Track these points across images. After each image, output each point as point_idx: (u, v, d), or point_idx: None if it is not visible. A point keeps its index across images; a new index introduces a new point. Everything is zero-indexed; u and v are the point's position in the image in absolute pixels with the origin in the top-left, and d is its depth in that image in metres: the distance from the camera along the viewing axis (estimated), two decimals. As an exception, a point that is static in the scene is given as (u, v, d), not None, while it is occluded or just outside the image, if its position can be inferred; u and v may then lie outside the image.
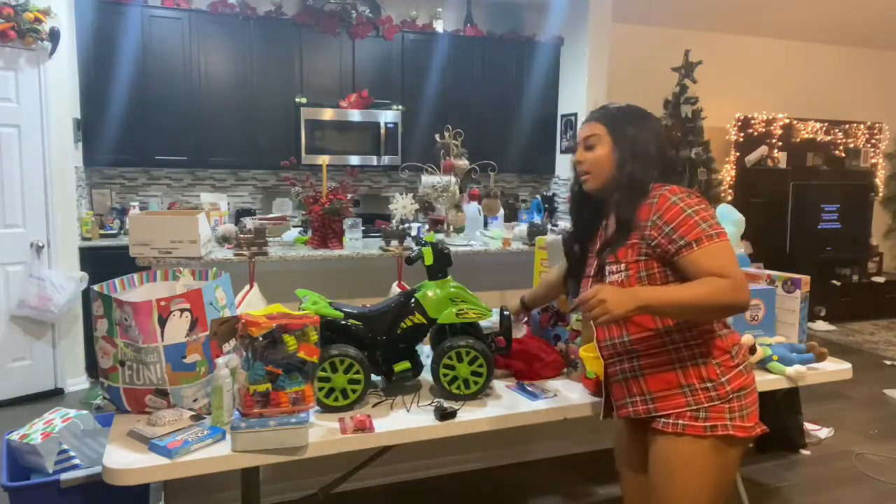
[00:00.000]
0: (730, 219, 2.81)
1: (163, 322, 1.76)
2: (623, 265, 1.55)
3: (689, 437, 1.53)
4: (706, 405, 1.52)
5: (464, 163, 3.54)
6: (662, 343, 1.56)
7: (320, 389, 1.85)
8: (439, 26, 5.36)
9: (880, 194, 7.01)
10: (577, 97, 5.47)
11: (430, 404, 1.94)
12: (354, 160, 5.08)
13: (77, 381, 4.19)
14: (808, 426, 3.59)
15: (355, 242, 3.39)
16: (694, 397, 1.53)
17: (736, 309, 1.50)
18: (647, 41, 5.92)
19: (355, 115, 5.03)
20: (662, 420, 1.56)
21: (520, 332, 2.32)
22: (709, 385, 1.53)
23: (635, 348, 1.58)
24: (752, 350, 2.28)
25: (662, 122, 5.26)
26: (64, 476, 1.94)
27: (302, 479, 2.50)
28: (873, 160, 6.90)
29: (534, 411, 1.96)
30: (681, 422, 1.54)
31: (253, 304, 2.76)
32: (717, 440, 1.52)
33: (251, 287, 2.94)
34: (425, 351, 2.24)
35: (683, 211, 1.49)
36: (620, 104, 1.68)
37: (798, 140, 6.53)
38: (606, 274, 1.59)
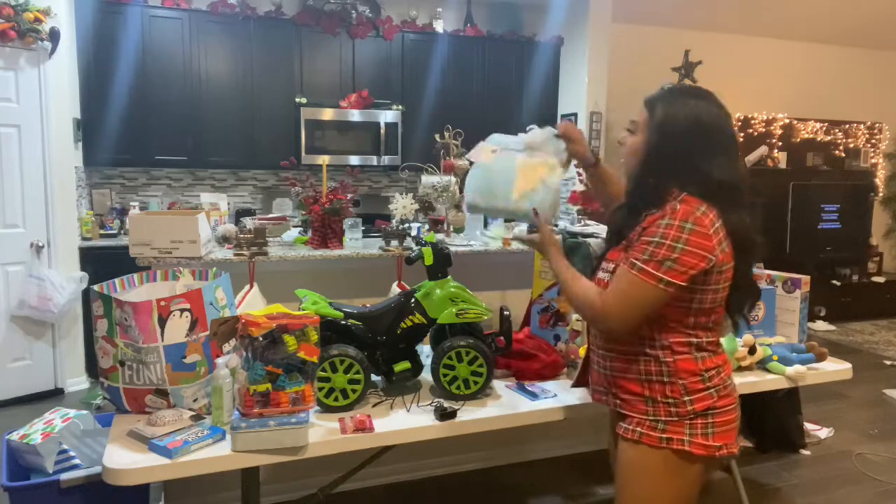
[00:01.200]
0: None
1: (163, 322, 1.76)
2: (612, 266, 1.54)
3: (645, 445, 1.51)
4: (664, 419, 1.50)
5: (464, 163, 3.54)
6: (635, 353, 1.53)
7: (320, 389, 1.85)
8: (439, 26, 5.36)
9: (880, 194, 7.01)
10: (577, 97, 5.47)
11: (430, 404, 1.94)
12: (354, 160, 5.08)
13: (77, 381, 4.19)
14: (808, 426, 3.59)
15: (355, 242, 3.39)
16: (654, 408, 1.51)
17: (588, 319, 1.61)
18: (647, 41, 5.93)
19: (355, 115, 5.03)
20: (624, 426, 1.56)
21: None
22: (670, 401, 1.50)
23: (611, 348, 1.59)
24: (752, 350, 2.29)
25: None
26: (64, 476, 1.94)
27: (302, 479, 2.50)
28: (873, 160, 6.90)
29: (534, 411, 1.96)
30: (639, 429, 1.52)
31: (253, 304, 2.76)
32: (673, 454, 1.49)
33: (251, 287, 2.94)
34: (425, 351, 2.24)
35: (654, 235, 1.43)
36: (683, 85, 1.57)
37: (798, 140, 6.53)
38: (602, 269, 1.61)
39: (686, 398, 1.49)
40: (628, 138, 1.56)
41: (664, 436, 1.50)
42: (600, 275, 1.58)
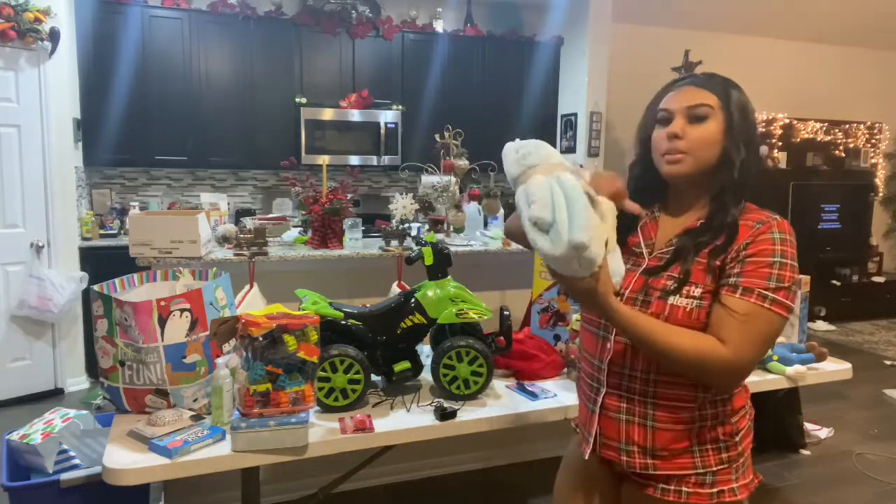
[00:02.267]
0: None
1: (163, 322, 1.76)
2: (699, 290, 1.20)
3: None
4: (715, 468, 1.26)
5: (464, 163, 3.54)
6: (692, 397, 1.25)
7: (320, 389, 1.85)
8: (439, 26, 5.36)
9: (880, 194, 7.01)
10: (577, 97, 5.47)
11: (430, 404, 1.94)
12: (354, 160, 5.08)
13: (77, 381, 4.19)
14: (808, 426, 3.59)
15: (355, 242, 3.39)
16: (703, 459, 1.26)
17: (707, 381, 1.23)
18: (647, 41, 5.92)
19: (355, 115, 5.03)
20: (661, 486, 1.28)
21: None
22: (721, 446, 1.27)
23: (657, 392, 1.26)
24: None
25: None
26: (64, 476, 1.94)
27: (302, 479, 2.50)
28: (873, 160, 6.89)
29: (534, 411, 1.96)
30: (684, 489, 1.26)
31: (253, 304, 2.76)
32: None
33: (251, 287, 2.94)
34: (425, 351, 2.24)
35: (773, 255, 1.17)
36: (728, 79, 1.30)
37: (798, 140, 6.53)
38: (668, 289, 1.22)
39: (737, 437, 1.29)
40: (695, 130, 1.23)
41: (714, 490, 1.26)
42: (678, 300, 1.20)
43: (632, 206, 1.24)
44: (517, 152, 1.25)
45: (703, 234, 1.23)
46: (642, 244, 1.32)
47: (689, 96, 1.25)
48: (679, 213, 1.31)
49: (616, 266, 1.20)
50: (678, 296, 1.20)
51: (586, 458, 1.36)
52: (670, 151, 1.24)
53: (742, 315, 1.15)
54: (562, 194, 1.13)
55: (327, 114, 4.95)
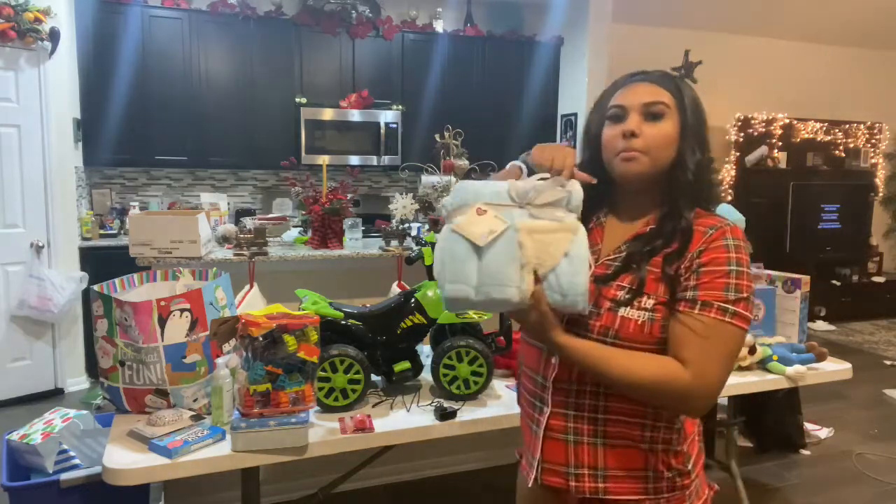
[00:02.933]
0: (730, 219, 2.80)
1: (163, 322, 1.76)
2: (651, 301, 1.12)
3: None
4: (667, 495, 1.17)
5: (464, 163, 3.54)
6: (644, 413, 1.15)
7: (320, 389, 1.85)
8: (439, 26, 5.36)
9: (880, 194, 7.01)
10: (577, 97, 5.47)
11: (430, 404, 1.94)
12: (354, 160, 5.08)
13: (77, 381, 4.19)
14: (808, 426, 3.59)
15: (355, 242, 3.39)
16: (655, 485, 1.17)
17: (669, 408, 1.14)
18: (647, 41, 5.92)
19: (355, 115, 5.03)
20: None
21: None
22: (674, 474, 1.17)
23: (609, 407, 1.15)
24: (752, 350, 2.29)
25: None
26: (64, 476, 1.94)
27: (302, 479, 2.50)
28: (873, 160, 6.90)
29: (534, 411, 1.96)
30: None
31: (253, 304, 2.76)
32: None
33: (251, 287, 2.94)
34: (425, 351, 2.24)
35: (728, 263, 1.09)
36: (680, 77, 1.25)
37: (798, 140, 6.53)
38: (620, 300, 1.13)
39: (689, 466, 1.19)
40: (652, 128, 1.16)
41: None
42: (628, 311, 1.12)
43: (584, 177, 1.16)
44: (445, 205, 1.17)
45: (655, 240, 1.14)
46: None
47: (644, 93, 1.18)
48: (628, 217, 1.22)
49: (569, 281, 1.06)
50: (630, 307, 1.11)
51: (529, 485, 1.25)
52: (626, 150, 1.16)
53: (703, 333, 1.07)
54: (447, 248, 1.10)
55: (327, 114, 4.95)
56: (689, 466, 1.19)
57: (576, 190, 1.12)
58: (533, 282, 1.06)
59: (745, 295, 1.09)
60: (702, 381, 1.07)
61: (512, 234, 1.07)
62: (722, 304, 1.07)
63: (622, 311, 1.12)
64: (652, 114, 1.16)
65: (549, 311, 1.09)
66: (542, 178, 1.14)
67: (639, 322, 1.11)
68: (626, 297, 1.12)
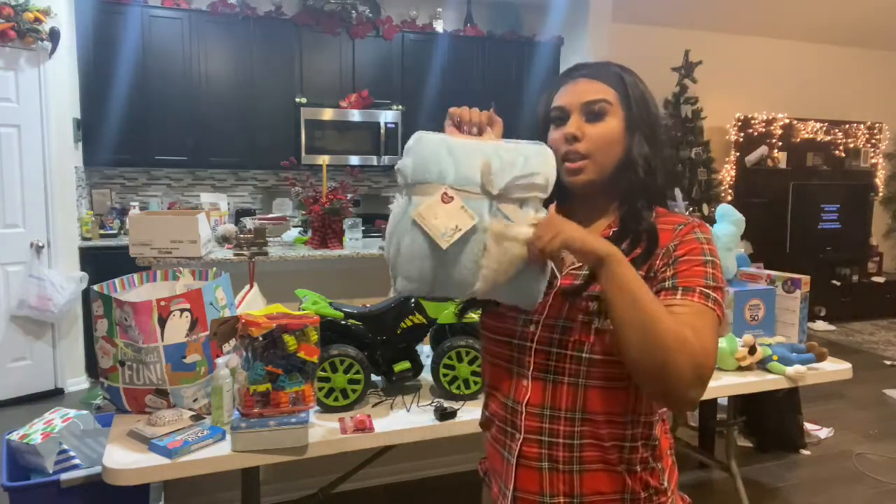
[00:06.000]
0: (730, 219, 2.81)
1: (163, 322, 1.76)
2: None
3: None
4: None
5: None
6: (622, 436, 1.08)
7: (320, 389, 1.85)
8: (439, 26, 5.36)
9: (880, 194, 7.02)
10: (577, 97, 5.46)
11: (430, 404, 1.94)
12: (354, 160, 5.08)
13: (77, 381, 4.19)
14: (808, 426, 3.59)
15: (355, 242, 3.39)
16: None
17: (676, 369, 0.95)
18: (647, 41, 5.93)
19: (355, 115, 5.03)
20: None
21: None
22: (651, 493, 1.12)
23: (584, 432, 1.07)
24: (752, 350, 2.29)
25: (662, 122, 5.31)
26: (64, 476, 1.94)
27: (302, 479, 2.50)
28: (873, 160, 6.90)
29: (534, 411, 1.96)
30: None
31: (253, 304, 2.76)
32: None
33: (251, 287, 2.93)
34: (425, 351, 2.24)
35: (703, 254, 1.05)
36: (624, 66, 1.17)
37: (798, 140, 6.54)
38: (592, 311, 1.06)
39: (664, 482, 1.14)
40: (593, 129, 1.09)
41: None
42: (605, 324, 1.05)
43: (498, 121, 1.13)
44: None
45: (619, 244, 1.05)
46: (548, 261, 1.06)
47: (583, 90, 1.10)
48: (588, 221, 1.13)
49: (522, 293, 0.98)
50: (605, 319, 1.03)
51: None
52: (569, 156, 1.09)
53: (691, 315, 0.99)
54: (403, 237, 0.99)
55: (327, 114, 4.95)
56: (665, 483, 1.14)
57: (550, 172, 1.01)
58: (496, 288, 0.98)
59: (721, 286, 1.05)
60: (705, 352, 0.97)
61: (480, 235, 0.96)
62: (703, 289, 1.02)
63: (596, 324, 1.04)
64: (593, 113, 1.09)
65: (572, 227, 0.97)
66: (514, 143, 1.04)
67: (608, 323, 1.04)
68: (597, 307, 1.04)
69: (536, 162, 1.00)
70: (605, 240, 1.00)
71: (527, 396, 1.10)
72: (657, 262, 1.06)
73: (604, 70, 1.13)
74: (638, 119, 1.09)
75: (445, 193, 0.97)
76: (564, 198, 1.15)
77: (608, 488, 1.08)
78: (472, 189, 0.97)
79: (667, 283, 1.03)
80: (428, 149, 1.01)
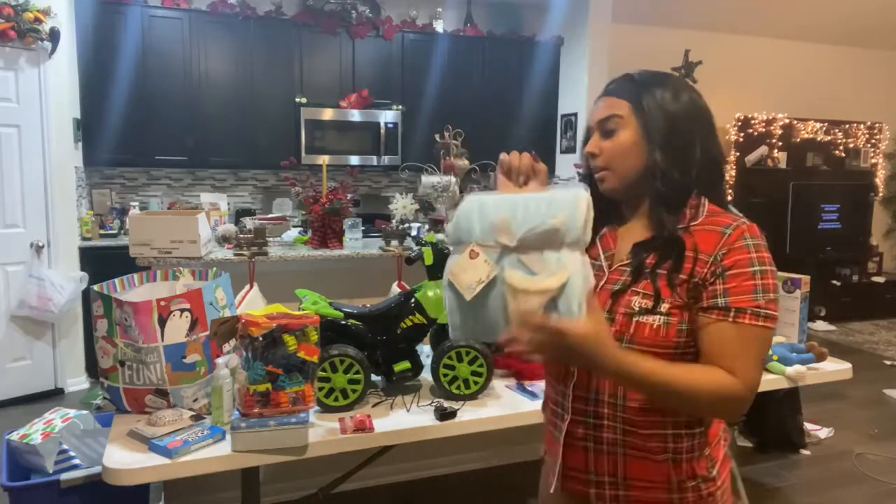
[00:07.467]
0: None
1: (163, 322, 1.76)
2: (665, 306, 1.09)
3: None
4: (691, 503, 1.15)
5: (464, 163, 3.54)
6: (663, 423, 1.13)
7: (320, 389, 1.85)
8: (439, 26, 5.36)
9: (880, 194, 7.01)
10: (577, 97, 5.47)
11: (430, 404, 1.94)
12: (354, 160, 5.08)
13: (77, 381, 4.19)
14: (808, 426, 3.59)
15: (355, 242, 3.40)
16: (680, 495, 1.14)
17: (721, 417, 1.16)
18: (647, 41, 5.93)
19: (355, 115, 5.03)
20: None
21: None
22: (700, 482, 1.15)
23: (629, 419, 1.13)
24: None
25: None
26: (64, 476, 1.94)
27: (302, 479, 2.50)
28: (873, 160, 6.90)
29: (534, 411, 1.96)
30: None
31: (253, 304, 2.76)
32: None
33: (251, 287, 2.94)
34: (425, 351, 2.24)
35: (751, 264, 1.07)
36: (651, 71, 1.22)
37: (798, 140, 6.53)
38: (634, 308, 1.11)
39: (714, 472, 1.16)
40: (607, 143, 1.16)
41: None
42: (645, 318, 1.10)
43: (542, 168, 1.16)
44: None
45: (647, 252, 1.14)
46: (601, 256, 1.20)
47: (601, 109, 1.18)
48: (632, 223, 1.21)
49: (568, 306, 0.99)
50: (645, 312, 1.10)
51: (551, 490, 1.22)
52: (594, 169, 1.19)
53: (742, 341, 1.06)
54: (445, 296, 1.12)
55: (327, 114, 4.95)
56: (714, 472, 1.17)
57: (574, 216, 1.01)
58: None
59: (772, 295, 1.08)
60: (749, 390, 1.06)
61: (499, 284, 1.03)
62: (754, 308, 1.06)
63: (637, 318, 1.11)
64: (607, 130, 1.16)
65: (582, 330, 0.98)
66: (530, 189, 1.11)
67: (654, 326, 1.09)
68: (643, 304, 1.10)
69: (559, 207, 1.02)
70: (600, 353, 1.00)
71: (573, 381, 1.18)
72: (703, 269, 1.08)
73: (622, 84, 1.19)
74: (651, 128, 1.13)
75: (472, 250, 1.06)
76: (614, 205, 1.22)
77: (652, 475, 1.13)
78: (492, 244, 1.05)
79: (719, 300, 1.07)
80: (463, 210, 1.10)
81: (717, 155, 1.17)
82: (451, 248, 1.11)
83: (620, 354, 1.02)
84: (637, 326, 1.10)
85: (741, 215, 1.14)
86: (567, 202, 1.02)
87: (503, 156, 1.16)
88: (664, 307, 1.09)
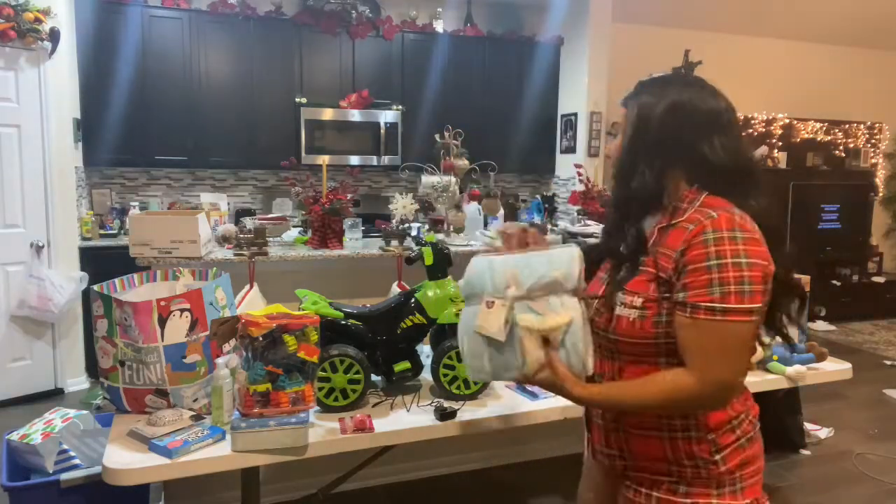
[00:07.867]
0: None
1: (163, 322, 1.76)
2: (640, 300, 1.18)
3: None
4: (688, 481, 1.21)
5: (464, 163, 3.55)
6: None
7: (320, 389, 1.85)
8: (439, 26, 5.36)
9: (880, 194, 7.01)
10: (577, 97, 5.46)
11: (430, 404, 1.94)
12: (354, 160, 5.08)
13: (77, 381, 4.19)
14: (808, 426, 3.59)
15: (355, 242, 3.39)
16: (679, 469, 1.21)
17: (683, 412, 1.20)
18: (647, 41, 5.92)
19: (355, 115, 5.03)
20: (633, 488, 1.26)
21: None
22: (699, 463, 1.20)
23: None
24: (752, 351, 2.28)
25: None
26: (64, 476, 1.94)
27: (302, 479, 2.50)
28: (873, 160, 6.89)
29: (534, 411, 1.96)
30: (655, 493, 1.22)
31: (253, 304, 2.76)
32: None
33: (251, 287, 2.94)
34: (425, 351, 2.24)
35: (707, 259, 1.10)
36: (657, 76, 1.30)
37: (798, 140, 6.53)
38: (617, 303, 1.22)
39: (717, 457, 1.20)
40: (612, 143, 1.33)
41: (687, 500, 1.20)
42: (624, 311, 1.20)
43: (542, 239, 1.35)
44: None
45: (619, 244, 1.28)
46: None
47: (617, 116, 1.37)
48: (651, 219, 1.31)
49: (570, 362, 1.22)
50: (622, 306, 1.21)
51: (585, 459, 1.45)
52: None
53: (697, 335, 1.10)
54: (470, 343, 1.30)
55: (327, 114, 4.95)
56: (718, 458, 1.20)
57: (570, 269, 1.22)
58: (536, 360, 1.22)
59: (732, 288, 1.08)
60: (707, 383, 1.11)
61: (515, 329, 1.23)
62: (708, 304, 1.09)
63: (617, 310, 1.22)
64: (613, 135, 1.36)
65: (561, 372, 1.21)
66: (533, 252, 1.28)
67: (630, 319, 1.20)
68: (625, 300, 1.22)
69: (557, 262, 1.23)
70: (567, 391, 1.21)
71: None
72: (667, 264, 1.16)
73: (630, 91, 1.31)
74: (632, 136, 1.26)
75: (488, 301, 1.25)
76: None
77: (652, 452, 1.23)
78: (502, 294, 1.24)
79: (679, 295, 1.13)
80: (474, 270, 1.30)
81: (716, 152, 1.19)
82: (465, 299, 1.31)
83: (579, 388, 1.20)
84: (617, 319, 1.22)
85: (729, 209, 1.15)
86: (563, 259, 1.23)
87: (501, 230, 1.37)
88: (638, 301, 1.19)
